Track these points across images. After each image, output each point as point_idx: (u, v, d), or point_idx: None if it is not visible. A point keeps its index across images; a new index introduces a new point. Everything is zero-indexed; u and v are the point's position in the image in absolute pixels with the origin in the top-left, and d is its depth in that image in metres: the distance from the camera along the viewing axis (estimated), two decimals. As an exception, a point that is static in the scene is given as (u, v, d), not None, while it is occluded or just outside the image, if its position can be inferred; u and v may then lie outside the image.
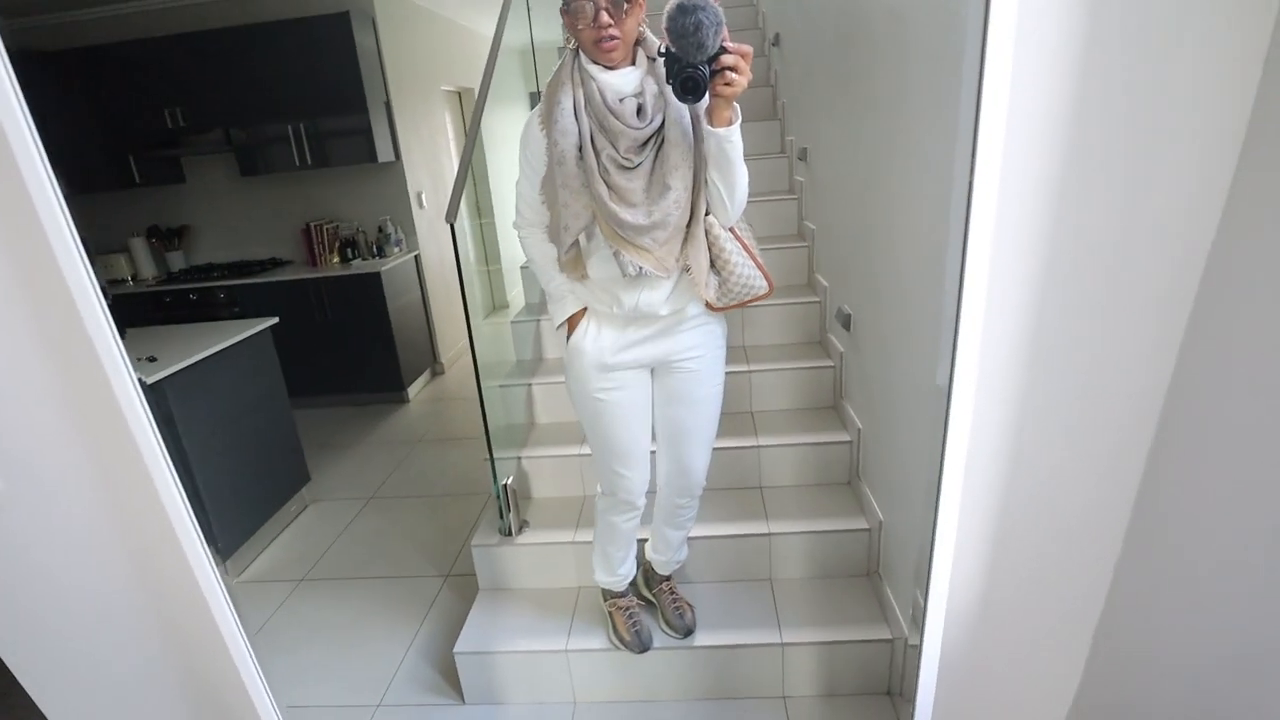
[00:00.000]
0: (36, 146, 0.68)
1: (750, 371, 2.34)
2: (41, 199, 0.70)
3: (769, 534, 1.96)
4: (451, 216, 1.73)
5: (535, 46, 4.08)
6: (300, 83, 3.77)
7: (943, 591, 1.06)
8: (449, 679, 1.94)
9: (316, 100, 3.82)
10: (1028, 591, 1.08)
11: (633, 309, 1.36)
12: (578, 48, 1.25)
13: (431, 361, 4.62)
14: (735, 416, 2.29)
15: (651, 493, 1.67)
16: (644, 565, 1.90)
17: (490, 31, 5.79)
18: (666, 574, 1.84)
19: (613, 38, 1.17)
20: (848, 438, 2.11)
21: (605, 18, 1.16)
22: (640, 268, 1.27)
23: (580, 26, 1.18)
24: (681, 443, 1.55)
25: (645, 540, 1.86)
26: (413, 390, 4.31)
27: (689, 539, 1.83)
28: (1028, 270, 0.89)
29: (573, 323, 1.44)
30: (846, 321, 2.06)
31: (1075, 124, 0.81)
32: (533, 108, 1.48)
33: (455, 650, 1.84)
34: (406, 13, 4.33)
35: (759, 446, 2.15)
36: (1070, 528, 1.03)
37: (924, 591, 1.08)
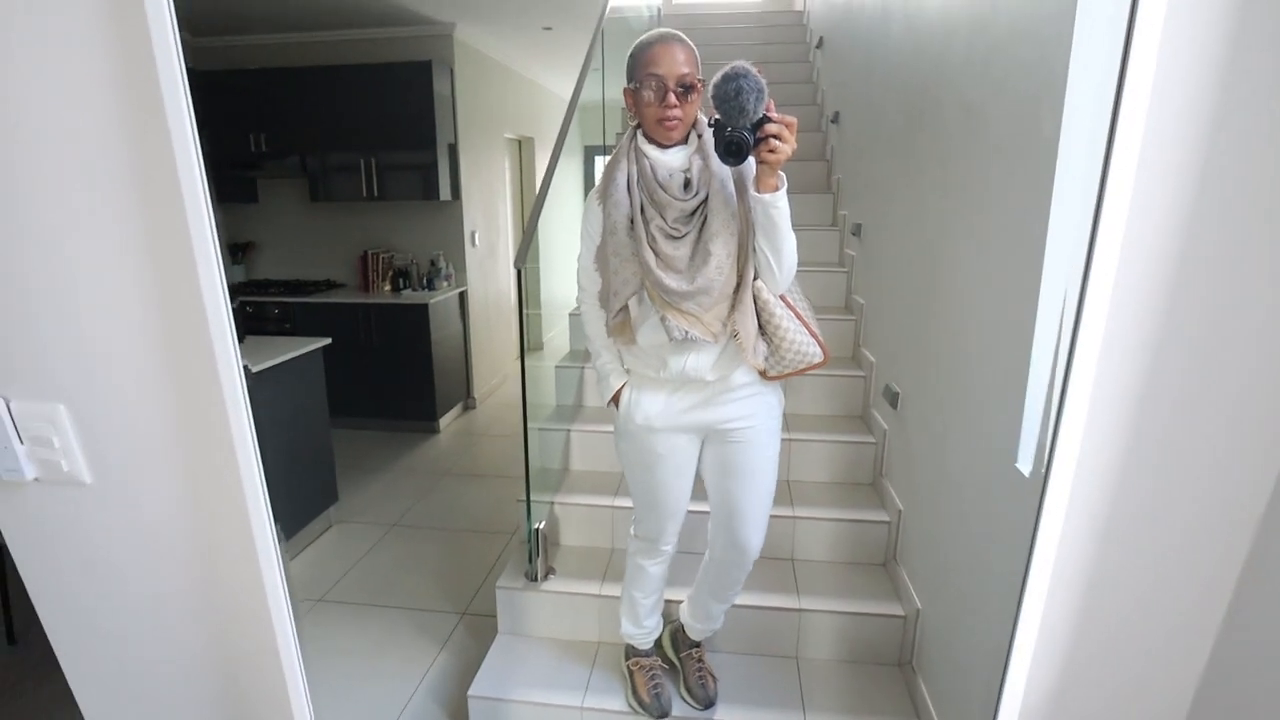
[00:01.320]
0: (199, 158, 0.74)
1: (790, 440, 2.32)
2: (193, 204, 0.75)
3: (799, 609, 1.91)
4: (520, 261, 1.79)
5: (590, 104, 4.24)
6: (377, 121, 3.96)
7: (1015, 701, 1.02)
8: (458, 721, 1.90)
9: (390, 138, 4.00)
10: (1108, 706, 1.03)
11: (679, 373, 1.39)
12: (637, 127, 1.33)
13: (465, 395, 4.67)
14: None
15: (696, 553, 1.66)
16: (675, 627, 1.86)
17: (552, 86, 6.06)
18: (698, 640, 1.80)
19: (676, 119, 1.25)
20: (886, 517, 2.08)
21: (672, 99, 1.24)
22: (686, 332, 1.30)
23: (647, 106, 1.26)
24: (735, 517, 1.52)
25: (679, 602, 1.83)
26: (444, 421, 4.35)
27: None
28: (1134, 365, 0.87)
29: (617, 398, 1.49)
30: (894, 399, 2.06)
31: (1194, 206, 0.81)
32: (585, 158, 1.55)
33: (469, 693, 1.81)
34: (481, 64, 4.55)
35: (795, 517, 2.12)
36: (1154, 645, 0.99)
37: (997, 698, 1.04)
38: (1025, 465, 1.23)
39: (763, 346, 1.37)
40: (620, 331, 1.39)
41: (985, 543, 1.43)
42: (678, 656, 1.82)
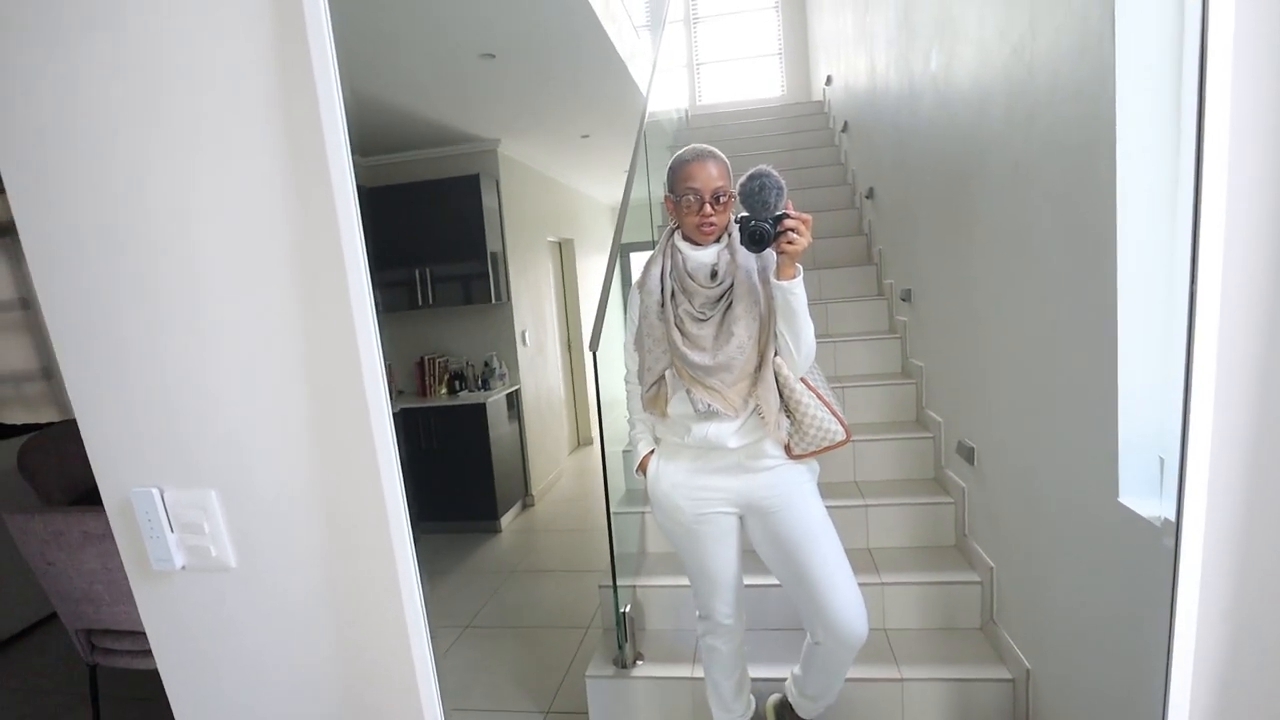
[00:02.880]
0: (364, 258, 0.83)
1: (866, 506, 2.29)
2: (358, 299, 0.84)
3: (900, 679, 1.83)
4: (594, 346, 1.87)
5: (630, 204, 4.48)
6: (429, 233, 4.23)
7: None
8: (555, 825, 1.82)
9: (441, 247, 4.25)
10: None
11: (702, 439, 1.47)
12: (675, 228, 1.49)
13: (524, 493, 4.69)
14: (853, 554, 2.22)
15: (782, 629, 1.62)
16: (779, 700, 1.79)
17: (588, 190, 6.42)
18: (810, 719, 1.72)
19: (713, 224, 1.41)
20: (977, 577, 2.01)
21: (709, 209, 1.40)
22: (709, 405, 1.41)
23: (687, 214, 1.42)
24: (808, 585, 1.49)
25: (780, 679, 1.77)
26: (505, 520, 4.36)
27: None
28: (1251, 385, 0.88)
29: (646, 465, 1.59)
30: (970, 455, 2.03)
31: None
32: (622, 255, 1.73)
33: (567, 790, 1.75)
34: (524, 174, 4.87)
35: (882, 584, 2.06)
36: None
37: None
38: (1131, 499, 1.21)
39: (786, 423, 1.46)
40: (654, 404, 1.51)
41: (1094, 589, 1.38)
42: (785, 734, 1.75)
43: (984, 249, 1.86)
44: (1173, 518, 0.95)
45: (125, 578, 1.87)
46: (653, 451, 1.59)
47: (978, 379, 1.98)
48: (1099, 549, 1.33)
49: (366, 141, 4.11)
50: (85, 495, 2.27)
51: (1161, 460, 1.17)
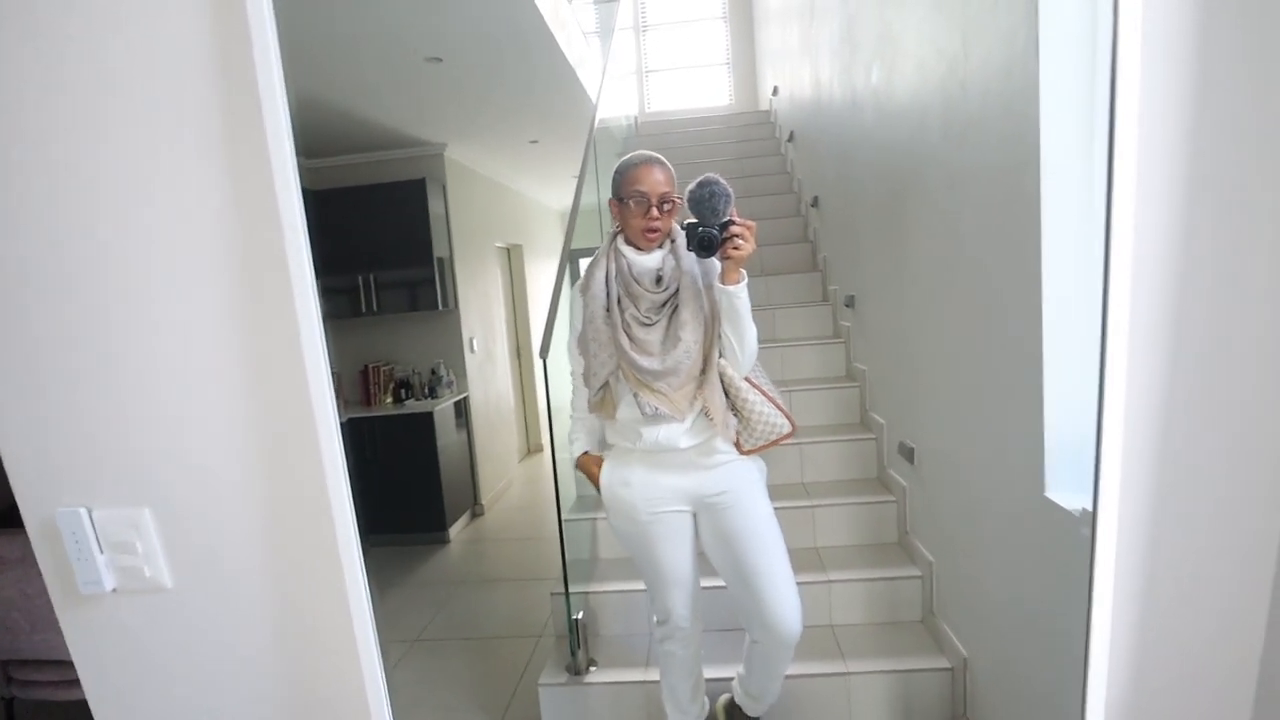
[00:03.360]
0: (311, 274, 0.82)
1: (813, 507, 2.35)
2: (303, 305, 0.82)
3: (846, 673, 1.88)
4: (545, 353, 1.86)
5: (580, 210, 4.49)
6: (376, 239, 4.14)
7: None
8: (508, 837, 1.81)
9: (388, 254, 4.17)
10: (1175, 695, 1.03)
11: (654, 443, 1.49)
12: (618, 232, 1.50)
13: (473, 502, 4.63)
14: (800, 553, 2.27)
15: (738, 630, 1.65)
16: (728, 700, 1.82)
17: (537, 195, 6.39)
18: (757, 716, 1.75)
19: (658, 229, 1.44)
20: (918, 572, 2.08)
21: (655, 213, 1.42)
22: (655, 408, 1.43)
23: (632, 218, 1.44)
24: (749, 584, 1.52)
25: (729, 679, 1.80)
26: (454, 530, 4.29)
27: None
28: (1156, 382, 0.94)
29: (583, 464, 1.61)
30: (910, 455, 2.11)
31: (1188, 228, 0.90)
32: (567, 260, 1.73)
33: (521, 801, 1.73)
34: (471, 179, 4.82)
35: (829, 582, 2.11)
36: (1209, 620, 1.00)
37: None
38: (1056, 493, 1.28)
39: (734, 421, 1.50)
40: (601, 407, 1.53)
41: (1023, 579, 1.45)
42: (736, 733, 1.77)
43: (921, 258, 1.93)
44: (1091, 508, 1.02)
45: (46, 604, 1.78)
46: (587, 453, 1.62)
47: (916, 382, 2.06)
48: (1028, 541, 1.40)
49: (310, 144, 4.00)
50: None
51: (1082, 456, 1.24)
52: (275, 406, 0.89)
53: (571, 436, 1.64)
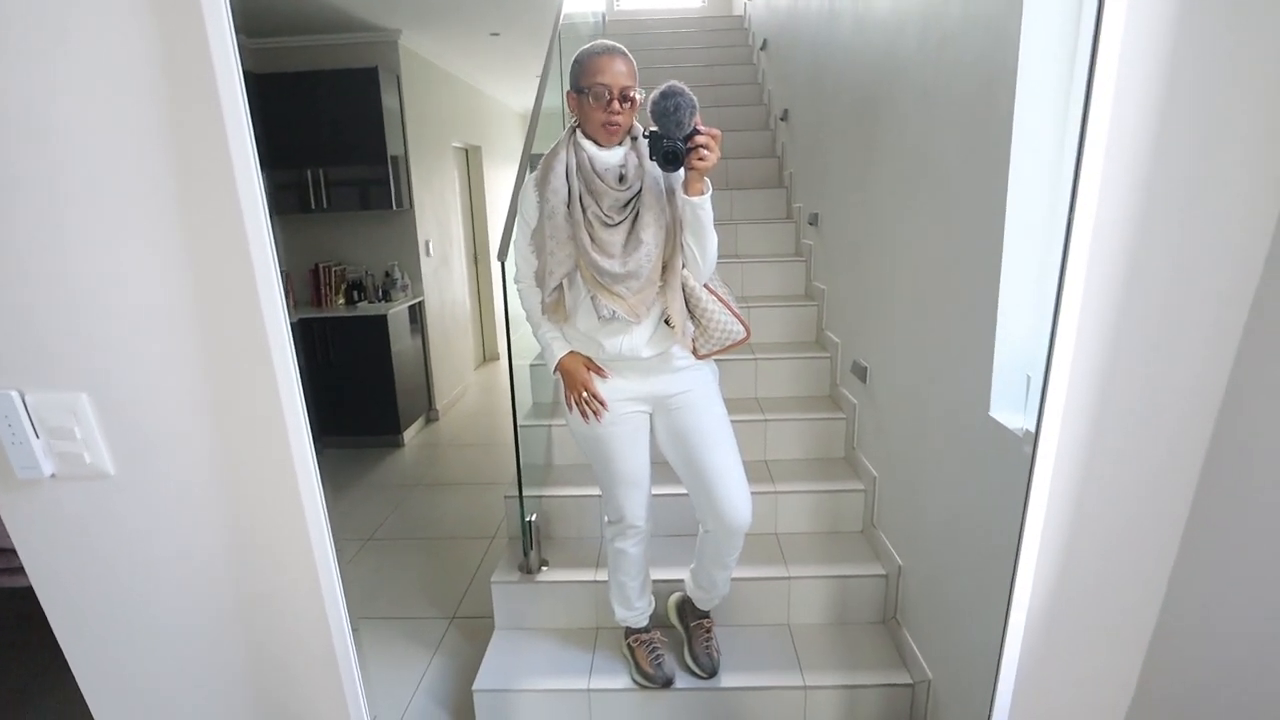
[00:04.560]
0: (255, 160, 0.76)
1: (765, 420, 2.41)
2: (244, 176, 0.77)
3: (788, 578, 1.99)
4: (503, 255, 1.81)
5: (544, 112, 4.30)
6: (324, 131, 3.91)
7: (1019, 619, 1.10)
8: (461, 719, 1.90)
9: (337, 148, 3.95)
10: (1089, 601, 1.12)
11: (615, 354, 1.49)
12: (577, 125, 1.44)
13: (427, 408, 4.61)
14: (751, 465, 2.34)
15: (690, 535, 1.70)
16: (681, 598, 1.91)
17: (498, 94, 6.07)
18: (707, 610, 1.85)
19: (618, 124, 1.38)
20: (861, 486, 2.18)
21: (616, 106, 1.36)
22: (613, 311, 1.41)
23: (593, 110, 1.37)
24: (707, 482, 1.58)
25: (678, 580, 1.88)
26: (408, 435, 4.29)
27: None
28: (1107, 306, 0.96)
29: (568, 365, 1.54)
30: (863, 374, 2.16)
31: (1155, 154, 0.90)
32: (528, 163, 1.60)
33: (474, 688, 1.81)
34: (427, 72, 4.53)
35: (776, 493, 2.20)
36: (1129, 537, 1.08)
37: (1005, 614, 1.11)
38: (1001, 413, 1.33)
39: (691, 328, 1.50)
40: (554, 310, 1.49)
41: (961, 493, 1.53)
42: (685, 627, 1.87)
43: (888, 175, 1.92)
44: (1033, 429, 1.07)
45: (-16, 490, 1.70)
46: (572, 352, 1.54)
47: (875, 302, 2.08)
48: (970, 459, 1.47)
49: (251, 21, 3.68)
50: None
51: (1029, 378, 1.29)
52: (221, 300, 0.85)
53: (544, 341, 1.56)
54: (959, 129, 1.46)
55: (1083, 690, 1.17)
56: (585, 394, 1.53)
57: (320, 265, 4.18)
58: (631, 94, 1.37)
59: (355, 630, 1.05)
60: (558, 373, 1.57)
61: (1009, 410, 1.33)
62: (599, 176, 1.39)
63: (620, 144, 1.42)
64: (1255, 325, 0.97)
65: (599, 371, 1.53)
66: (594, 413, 1.53)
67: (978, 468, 1.44)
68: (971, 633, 1.48)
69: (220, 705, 1.05)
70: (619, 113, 1.36)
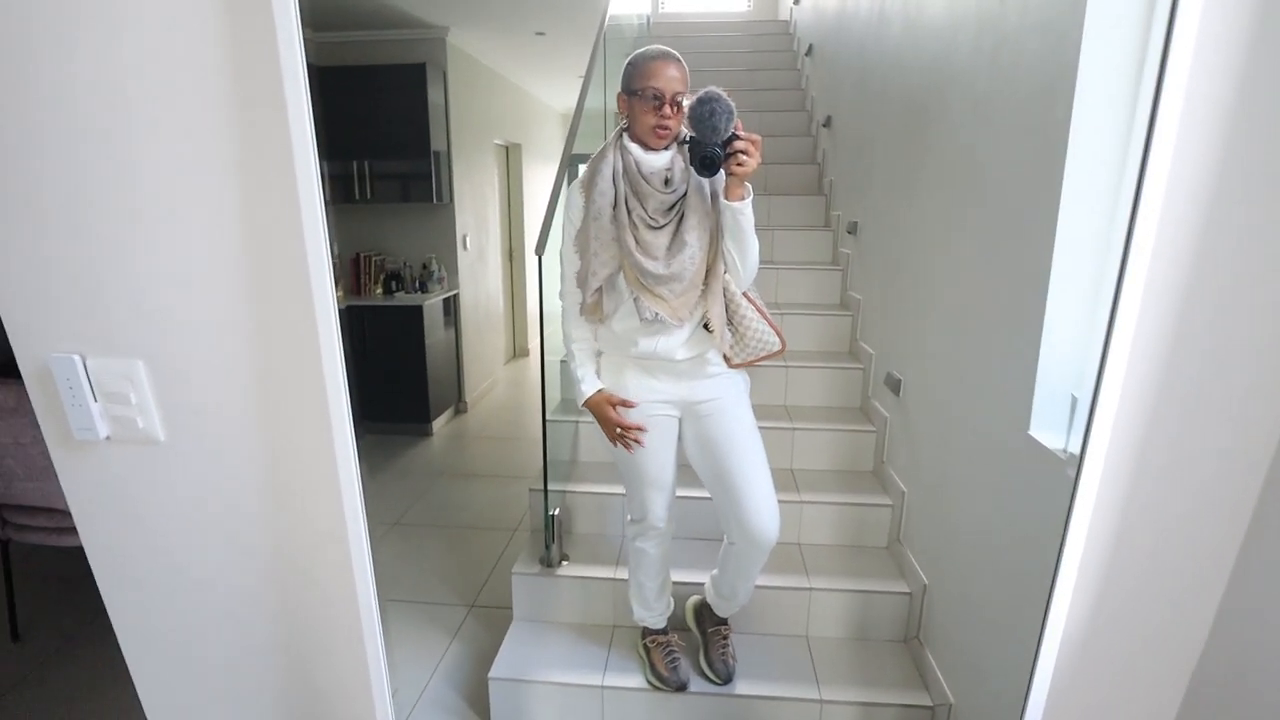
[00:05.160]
0: (314, 151, 0.78)
1: (793, 429, 2.39)
2: (301, 155, 0.79)
3: (809, 589, 1.97)
4: (540, 250, 1.83)
5: (586, 113, 4.34)
6: (373, 124, 3.99)
7: (1052, 646, 1.07)
8: (476, 706, 1.92)
9: (382, 140, 4.03)
10: (1126, 632, 1.09)
11: (650, 353, 1.49)
12: (624, 129, 1.45)
13: (456, 399, 4.67)
14: (777, 473, 2.33)
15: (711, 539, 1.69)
16: (699, 602, 1.91)
17: (540, 93, 6.13)
18: (725, 617, 1.84)
19: (669, 128, 1.38)
20: (889, 501, 2.15)
21: (668, 111, 1.37)
22: (656, 314, 1.42)
23: (644, 114, 1.38)
24: (731, 489, 1.56)
25: (699, 583, 1.88)
26: (437, 424, 4.35)
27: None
28: (1163, 324, 0.93)
29: (597, 405, 1.54)
30: (896, 386, 2.14)
31: (1221, 182, 0.88)
32: (568, 163, 1.62)
33: (490, 675, 1.83)
34: (473, 70, 4.60)
35: (801, 502, 2.18)
36: (1174, 567, 1.05)
37: (1037, 641, 1.08)
38: (1041, 433, 1.30)
39: (728, 335, 1.50)
40: (594, 311, 1.49)
41: (994, 513, 1.50)
42: (703, 632, 1.87)
43: (933, 184, 1.89)
44: (1077, 451, 1.04)
45: (40, 453, 1.81)
46: (600, 390, 1.54)
47: (912, 313, 2.06)
48: (1005, 478, 1.44)
49: (314, 14, 3.77)
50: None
51: (1074, 398, 1.26)
52: (274, 281, 0.87)
53: (577, 375, 1.56)
54: (1012, 137, 1.44)
55: (1114, 721, 1.14)
56: (619, 430, 1.53)
57: (361, 254, 4.26)
58: (682, 99, 1.37)
59: (382, 610, 1.07)
60: (584, 407, 1.58)
61: (1050, 430, 1.30)
62: (645, 179, 1.40)
63: (668, 148, 1.43)
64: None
65: (626, 404, 1.54)
66: (636, 441, 1.54)
67: (1013, 488, 1.41)
68: (998, 657, 1.45)
69: (251, 667, 1.08)
70: (670, 117, 1.37)
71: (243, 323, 0.89)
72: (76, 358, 0.90)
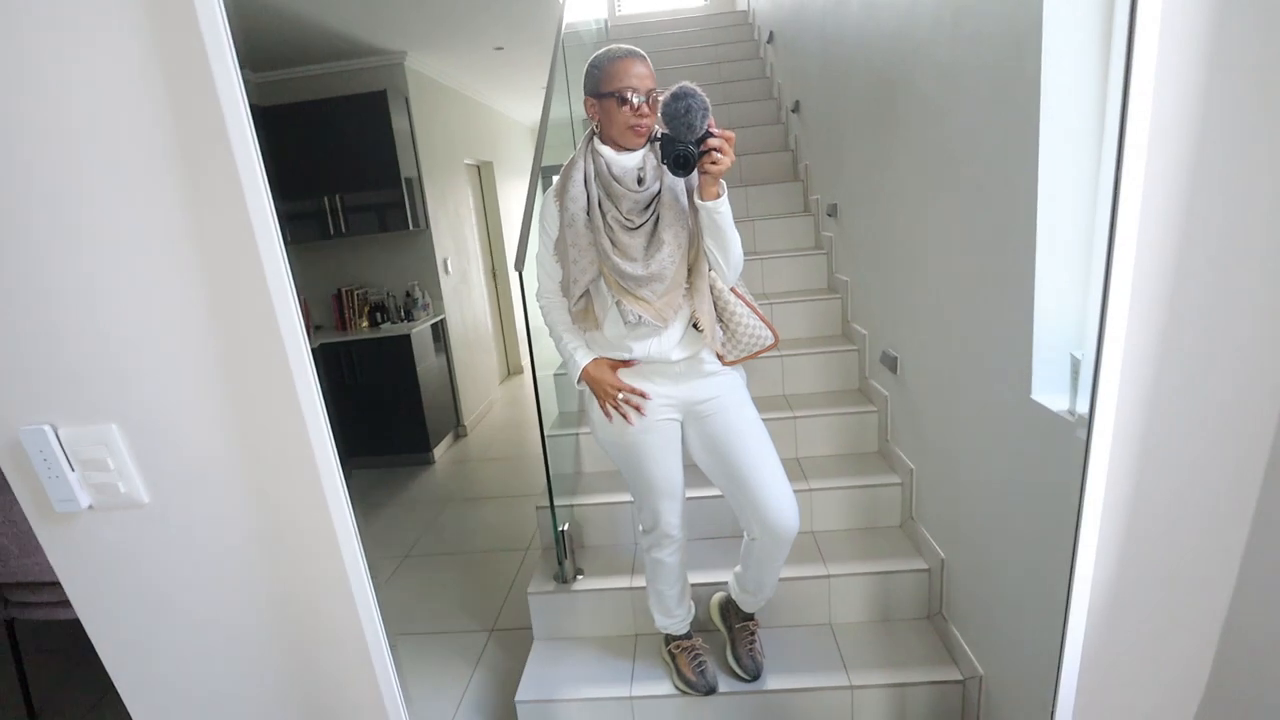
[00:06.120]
0: (266, 191, 0.76)
1: (794, 418, 2.37)
2: (257, 210, 0.76)
3: (828, 576, 1.95)
4: (520, 265, 1.81)
5: (553, 122, 4.32)
6: (338, 157, 3.96)
7: (1080, 610, 1.04)
8: (506, 733, 1.89)
9: (352, 173, 3.99)
10: (1156, 593, 1.07)
11: (645, 357, 1.47)
12: (594, 133, 1.43)
13: (455, 424, 4.64)
14: (783, 463, 2.30)
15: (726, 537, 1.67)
16: (724, 598, 1.88)
17: (505, 109, 6.11)
18: (752, 612, 1.81)
19: (647, 126, 1.36)
20: (898, 479, 2.13)
21: (645, 109, 1.35)
22: (639, 316, 1.40)
23: (619, 115, 1.35)
24: (745, 485, 1.54)
25: (721, 584, 1.86)
26: (438, 451, 4.31)
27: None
28: (1160, 274, 0.91)
29: (592, 373, 1.51)
30: (893, 364, 2.12)
31: (1204, 129, 0.85)
32: (536, 176, 1.62)
33: (516, 699, 1.80)
34: (436, 92, 4.57)
35: (810, 490, 2.16)
36: (1194, 521, 1.03)
37: (1065, 606, 1.06)
38: (1044, 395, 1.28)
39: (720, 333, 1.48)
40: (583, 318, 1.48)
41: (1005, 481, 1.48)
42: (729, 628, 1.84)
43: (909, 159, 1.88)
44: (1084, 412, 1.02)
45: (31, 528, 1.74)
46: (595, 359, 1.51)
47: (902, 289, 2.04)
48: (1011, 444, 1.42)
49: (257, 55, 3.74)
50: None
51: (1074, 358, 1.24)
52: (240, 330, 0.85)
53: (566, 352, 1.54)
54: (982, 101, 1.42)
55: (1151, 684, 1.12)
56: (620, 395, 1.49)
57: (343, 289, 4.23)
58: (655, 95, 1.35)
59: (393, 647, 1.04)
60: (582, 383, 1.54)
61: (1053, 392, 1.28)
62: (617, 180, 1.38)
63: (641, 146, 1.41)
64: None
65: (626, 364, 1.50)
66: (635, 408, 1.49)
67: (1022, 454, 1.39)
68: (1025, 626, 1.43)
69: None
70: (646, 115, 1.35)
71: (215, 373, 0.86)
72: (47, 428, 0.87)
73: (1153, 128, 0.85)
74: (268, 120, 3.87)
